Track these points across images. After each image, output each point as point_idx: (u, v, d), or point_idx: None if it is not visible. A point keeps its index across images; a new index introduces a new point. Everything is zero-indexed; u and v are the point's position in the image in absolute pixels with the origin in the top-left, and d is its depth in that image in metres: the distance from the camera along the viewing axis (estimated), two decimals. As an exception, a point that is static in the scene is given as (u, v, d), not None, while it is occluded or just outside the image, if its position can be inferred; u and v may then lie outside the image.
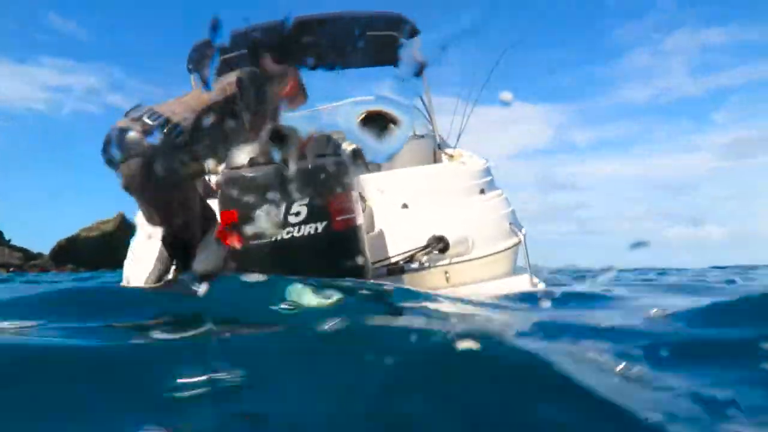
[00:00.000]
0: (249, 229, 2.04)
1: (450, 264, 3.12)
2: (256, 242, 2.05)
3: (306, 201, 2.06)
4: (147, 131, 2.18)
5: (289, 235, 2.04)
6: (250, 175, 2.09)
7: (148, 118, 2.21)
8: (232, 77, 2.61)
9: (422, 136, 4.52)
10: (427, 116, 4.53)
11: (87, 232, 12.49)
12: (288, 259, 2.05)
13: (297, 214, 2.05)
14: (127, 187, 2.21)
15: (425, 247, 3.07)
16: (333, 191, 2.10)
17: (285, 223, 2.05)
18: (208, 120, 2.29)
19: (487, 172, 3.53)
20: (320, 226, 2.06)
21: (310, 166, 2.11)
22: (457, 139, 4.18)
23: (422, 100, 4.65)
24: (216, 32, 3.70)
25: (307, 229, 2.05)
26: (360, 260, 2.17)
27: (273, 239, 2.04)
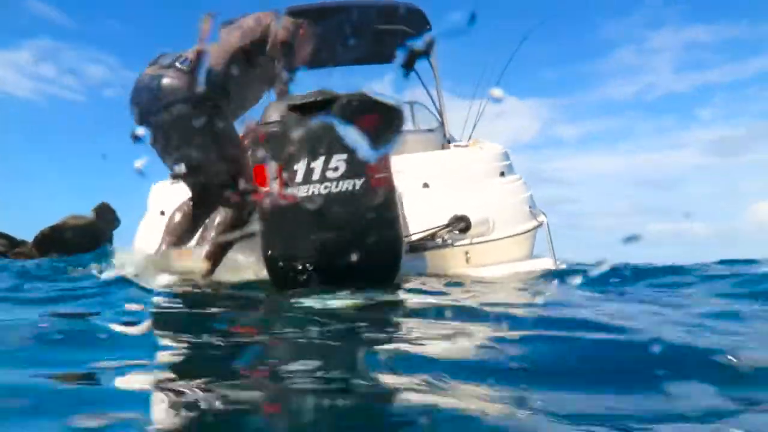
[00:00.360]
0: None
1: (471, 244, 3.07)
2: (291, 198, 1.97)
3: (344, 156, 1.98)
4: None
5: (326, 191, 1.96)
6: (291, 128, 2.01)
7: (181, 63, 2.13)
8: (249, 21, 2.56)
9: (431, 131, 4.46)
10: (437, 110, 4.47)
11: (73, 220, 12.17)
12: (324, 216, 1.97)
13: (335, 169, 1.98)
14: (166, 136, 2.14)
15: (446, 226, 3.01)
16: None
17: (323, 178, 1.97)
18: (237, 66, 2.23)
19: (506, 156, 3.50)
20: (358, 183, 1.99)
21: (350, 121, 2.03)
22: (473, 129, 4.14)
23: (429, 94, 4.59)
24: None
25: (345, 185, 1.98)
26: (395, 223, 2.10)
27: (312, 194, 1.96)
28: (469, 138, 4.08)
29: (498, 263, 3.05)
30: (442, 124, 4.33)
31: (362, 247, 1.99)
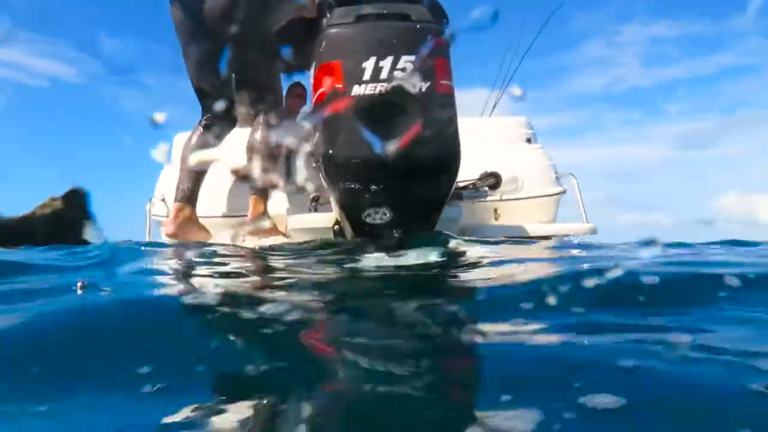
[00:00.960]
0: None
1: (501, 201, 3.06)
2: (361, 93, 1.93)
3: (413, 58, 1.96)
4: None
5: (394, 89, 1.93)
6: (360, 29, 1.99)
7: None
8: None
9: None
10: None
11: (41, 209, 11.66)
12: (392, 115, 1.94)
13: (403, 69, 1.95)
14: (213, 29, 2.10)
15: (478, 180, 3.01)
16: (439, 55, 2.03)
17: (390, 77, 1.94)
18: None
19: (531, 125, 3.55)
20: (424, 86, 1.97)
21: (418, 26, 2.03)
22: (492, 110, 4.19)
23: None
24: None
25: (411, 86, 1.95)
26: (456, 136, 2.08)
27: (380, 92, 1.93)
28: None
29: (526, 223, 3.04)
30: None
31: (423, 152, 1.95)
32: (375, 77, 1.94)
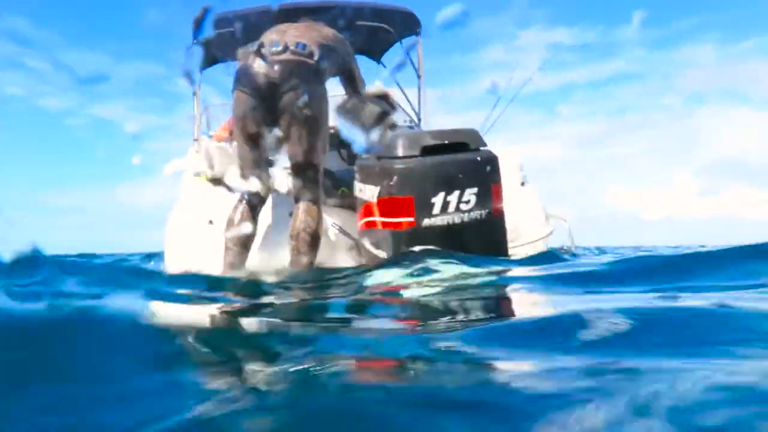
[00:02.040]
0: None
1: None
2: (430, 225, 2.17)
3: (475, 190, 2.21)
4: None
5: (460, 220, 2.19)
6: (427, 164, 2.19)
7: (295, 47, 2.50)
8: (328, 32, 2.78)
9: (411, 127, 4.60)
10: (414, 110, 4.62)
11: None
12: (457, 241, 2.21)
13: (467, 201, 2.20)
14: (285, 110, 2.40)
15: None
16: (494, 182, 2.28)
17: (457, 209, 2.19)
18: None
19: (522, 167, 3.86)
20: (484, 213, 2.24)
21: (479, 158, 2.26)
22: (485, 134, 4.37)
23: (405, 94, 4.69)
24: (200, 27, 3.66)
25: (475, 215, 2.21)
26: (505, 240, 2.40)
27: (447, 224, 2.17)
28: None
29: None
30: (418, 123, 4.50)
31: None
32: (444, 210, 2.18)
